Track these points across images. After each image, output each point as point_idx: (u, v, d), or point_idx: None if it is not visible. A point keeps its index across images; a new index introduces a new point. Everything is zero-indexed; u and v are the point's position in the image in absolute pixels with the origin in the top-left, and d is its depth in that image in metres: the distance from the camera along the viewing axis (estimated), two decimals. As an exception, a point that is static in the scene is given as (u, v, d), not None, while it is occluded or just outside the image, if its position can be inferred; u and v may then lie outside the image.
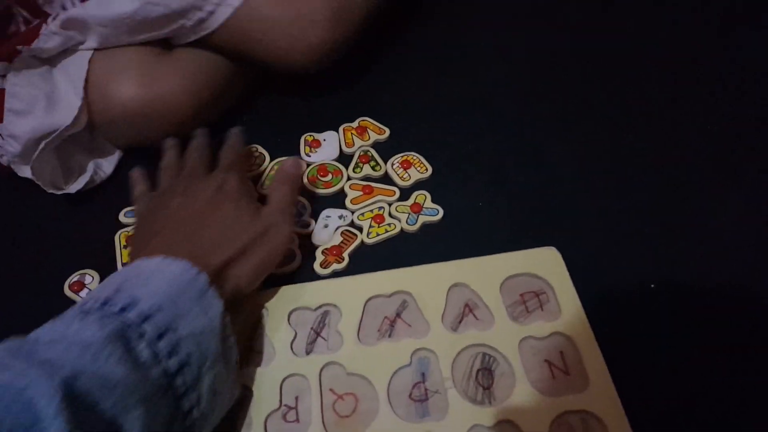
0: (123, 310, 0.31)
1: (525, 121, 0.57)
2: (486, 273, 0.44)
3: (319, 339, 0.42)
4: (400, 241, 0.48)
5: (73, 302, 0.44)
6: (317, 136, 0.56)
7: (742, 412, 0.37)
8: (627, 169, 0.52)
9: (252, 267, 0.39)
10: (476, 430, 0.37)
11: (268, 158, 0.55)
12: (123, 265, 0.47)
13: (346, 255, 0.47)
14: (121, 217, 0.51)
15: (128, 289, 0.32)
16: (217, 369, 0.33)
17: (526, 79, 0.61)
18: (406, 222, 0.49)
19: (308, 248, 0.47)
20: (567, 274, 0.44)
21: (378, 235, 0.48)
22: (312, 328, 0.42)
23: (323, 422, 0.38)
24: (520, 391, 0.38)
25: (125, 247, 0.48)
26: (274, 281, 0.44)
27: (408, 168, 0.53)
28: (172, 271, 0.34)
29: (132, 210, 0.50)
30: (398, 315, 0.43)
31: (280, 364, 0.40)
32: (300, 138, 0.56)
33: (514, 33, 0.66)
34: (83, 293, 0.45)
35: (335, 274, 0.46)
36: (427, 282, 0.44)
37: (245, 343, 0.41)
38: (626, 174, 0.52)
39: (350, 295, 0.44)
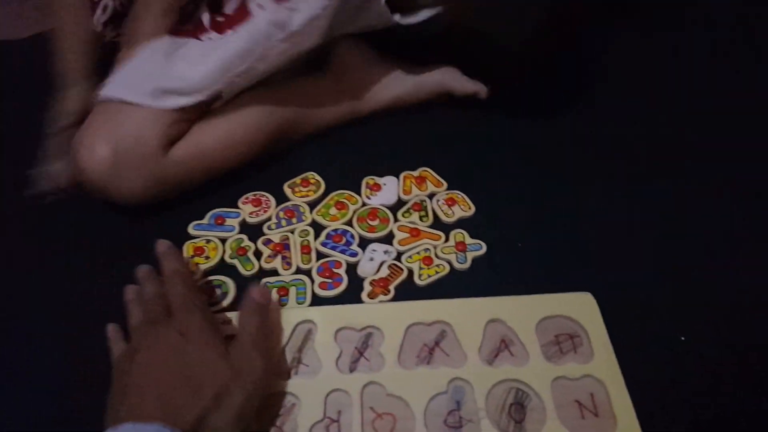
0: None
1: (567, 169, 0.60)
2: (523, 311, 0.47)
3: (362, 358, 0.45)
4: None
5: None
6: (378, 180, 0.60)
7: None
8: (667, 222, 0.54)
9: (232, 415, 0.36)
10: (506, 460, 0.39)
11: (323, 187, 0.59)
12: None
13: (392, 288, 0.50)
14: (190, 230, 0.55)
15: None
16: None
17: (568, 128, 0.64)
18: (457, 261, 0.52)
19: (354, 278, 0.51)
20: (601, 319, 0.46)
21: (429, 276, 0.51)
22: (356, 348, 0.46)
23: (359, 437, 0.40)
24: (550, 428, 0.40)
25: (192, 257, 0.53)
26: (323, 301, 0.48)
27: (452, 205, 0.57)
28: None
29: (200, 224, 0.55)
30: (437, 343, 0.46)
31: (326, 378, 0.44)
32: (362, 180, 0.60)
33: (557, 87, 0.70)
34: None
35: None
36: (466, 315, 0.47)
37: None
38: (666, 225, 0.54)
39: (393, 319, 0.47)
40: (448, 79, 0.66)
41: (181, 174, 0.55)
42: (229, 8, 0.57)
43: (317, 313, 0.48)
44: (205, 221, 0.56)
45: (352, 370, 0.44)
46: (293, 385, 0.43)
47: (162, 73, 0.54)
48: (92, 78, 0.58)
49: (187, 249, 0.54)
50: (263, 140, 0.59)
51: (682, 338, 0.45)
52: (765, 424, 0.41)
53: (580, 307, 0.47)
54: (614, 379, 0.42)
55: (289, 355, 0.45)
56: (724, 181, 0.58)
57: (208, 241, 0.54)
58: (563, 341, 0.45)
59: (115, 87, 0.54)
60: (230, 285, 0.50)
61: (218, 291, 0.50)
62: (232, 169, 0.58)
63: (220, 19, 0.57)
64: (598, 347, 0.44)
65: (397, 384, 0.43)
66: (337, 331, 0.47)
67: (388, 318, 0.47)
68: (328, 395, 0.43)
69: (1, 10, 0.89)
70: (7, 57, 0.80)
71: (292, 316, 0.47)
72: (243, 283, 0.48)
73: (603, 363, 0.43)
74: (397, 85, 0.66)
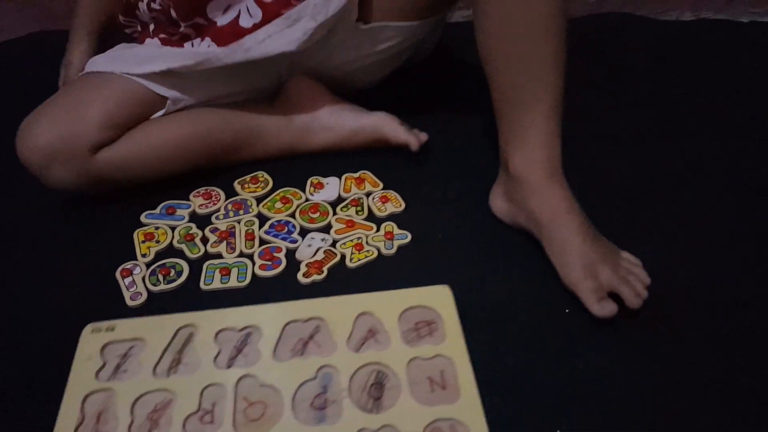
0: None
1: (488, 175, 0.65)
2: (389, 304, 0.52)
3: (240, 356, 0.49)
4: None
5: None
6: (322, 179, 0.67)
7: None
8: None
9: None
10: (363, 433, 0.44)
11: (271, 185, 0.66)
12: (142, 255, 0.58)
13: (325, 269, 0.56)
14: (142, 218, 0.62)
15: None
16: None
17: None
18: (384, 248, 0.58)
19: (292, 261, 0.57)
20: (455, 308, 0.52)
21: (359, 260, 0.57)
22: (235, 346, 0.49)
23: (234, 424, 0.44)
24: (403, 402, 0.45)
25: (143, 242, 0.59)
26: (206, 304, 0.52)
27: (386, 202, 0.64)
28: None
29: (151, 213, 0.62)
30: (311, 337, 0.50)
31: (203, 374, 0.47)
32: (307, 179, 0.67)
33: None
34: (128, 279, 0.56)
35: (314, 284, 0.55)
36: (339, 310, 0.52)
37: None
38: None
39: (272, 318, 0.51)
40: (384, 127, 0.68)
41: (109, 175, 0.60)
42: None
43: (198, 317, 0.51)
44: (156, 211, 0.62)
45: (229, 366, 0.48)
46: (171, 382, 0.46)
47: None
48: (95, 41, 0.70)
49: (138, 235, 0.59)
50: (193, 157, 0.64)
51: (567, 310, 0.53)
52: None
53: (438, 298, 0.53)
54: (461, 358, 0.48)
55: (169, 357, 0.48)
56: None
57: (157, 228, 0.60)
58: (421, 327, 0.51)
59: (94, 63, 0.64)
60: (184, 265, 0.57)
61: (172, 271, 0.55)
62: (160, 178, 0.63)
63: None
64: (450, 331, 0.50)
65: (270, 375, 0.47)
66: (218, 332, 0.50)
67: (267, 318, 0.51)
68: (204, 390, 0.46)
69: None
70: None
71: (174, 321, 0.51)
72: (194, 265, 0.57)
73: (453, 344, 0.49)
74: (335, 131, 0.69)
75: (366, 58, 0.71)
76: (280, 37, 0.62)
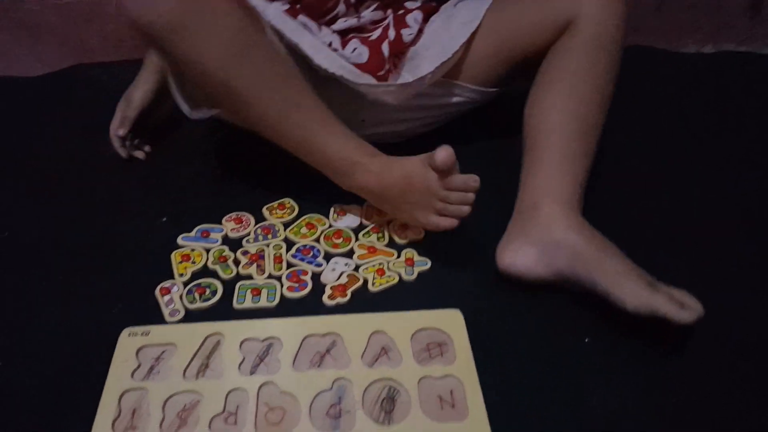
0: None
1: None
2: (402, 324, 0.56)
3: (262, 364, 0.53)
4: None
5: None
6: (345, 207, 0.71)
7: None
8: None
9: None
10: (373, 443, 0.47)
11: (297, 211, 0.70)
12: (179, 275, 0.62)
13: (349, 293, 0.60)
14: (178, 241, 0.66)
15: None
16: None
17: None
18: (405, 273, 0.62)
19: (317, 284, 0.61)
20: (465, 331, 0.55)
21: (381, 284, 0.61)
22: (258, 355, 0.53)
23: (255, 426, 0.48)
24: (414, 416, 0.48)
25: (180, 262, 0.64)
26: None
27: (405, 230, 0.68)
28: None
29: (187, 236, 0.67)
30: (328, 351, 0.54)
31: (228, 379, 0.51)
32: (331, 206, 0.71)
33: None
34: (167, 297, 0.60)
35: (338, 306, 0.59)
36: (355, 327, 0.56)
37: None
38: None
39: (291, 332, 0.55)
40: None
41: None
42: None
43: (225, 327, 0.55)
44: (192, 234, 0.67)
45: (252, 373, 0.52)
46: (199, 385, 0.50)
47: None
48: (161, 82, 0.76)
49: (175, 256, 0.64)
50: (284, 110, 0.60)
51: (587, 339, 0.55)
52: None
53: (450, 321, 0.56)
54: (470, 379, 0.51)
55: (197, 362, 0.52)
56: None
57: (193, 250, 0.65)
58: (432, 348, 0.54)
59: None
60: (218, 285, 0.61)
61: (207, 290, 0.60)
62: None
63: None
64: (461, 353, 0.54)
65: (289, 383, 0.51)
66: (242, 342, 0.54)
67: (288, 331, 0.55)
68: (228, 393, 0.50)
69: (18, 48, 0.99)
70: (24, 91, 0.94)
71: (203, 329, 0.55)
72: (226, 284, 0.61)
73: (463, 365, 0.53)
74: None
75: (432, 109, 0.76)
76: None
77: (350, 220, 0.70)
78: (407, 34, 0.72)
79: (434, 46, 0.71)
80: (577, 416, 0.50)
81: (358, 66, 0.68)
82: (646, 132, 0.84)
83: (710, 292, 0.52)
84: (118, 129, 0.77)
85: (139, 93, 0.77)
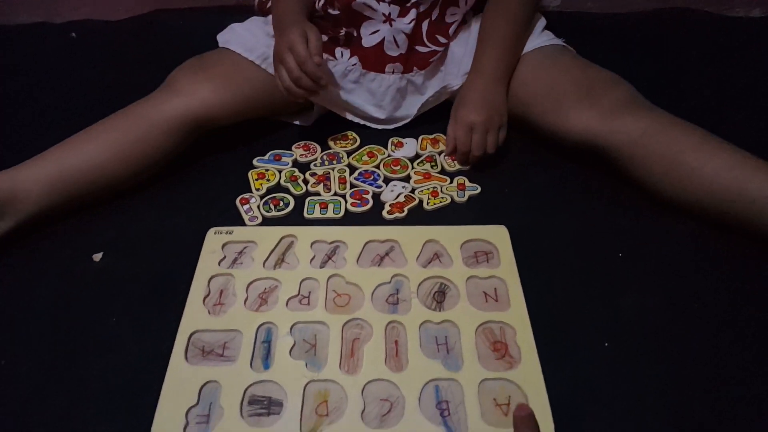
0: None
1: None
2: (454, 235, 0.62)
3: (330, 261, 0.60)
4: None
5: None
6: (402, 139, 0.78)
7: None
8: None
9: None
10: (426, 324, 0.54)
11: (359, 142, 0.78)
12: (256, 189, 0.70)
13: (406, 209, 0.67)
14: (254, 162, 0.74)
15: None
16: None
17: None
18: (457, 196, 0.69)
19: (378, 203, 0.68)
20: (509, 243, 0.61)
21: (435, 204, 0.68)
22: (326, 254, 0.61)
23: (325, 307, 0.55)
24: (462, 306, 0.55)
25: (256, 179, 0.72)
26: (305, 222, 0.64)
27: (455, 159, 0.74)
28: None
29: (261, 158, 0.75)
30: (387, 254, 0.61)
31: (302, 271, 0.59)
32: (389, 139, 0.78)
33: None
34: (246, 206, 0.68)
35: (396, 221, 0.67)
36: (411, 236, 0.62)
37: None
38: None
39: (356, 237, 0.62)
40: None
41: None
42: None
43: (298, 230, 0.63)
44: (265, 157, 0.76)
45: (321, 266, 0.60)
46: (277, 273, 0.58)
47: None
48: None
49: (252, 174, 0.72)
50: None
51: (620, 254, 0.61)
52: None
53: (496, 234, 0.62)
54: (513, 280, 0.58)
55: (274, 257, 0.60)
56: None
57: (267, 170, 0.73)
58: (479, 256, 0.61)
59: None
60: (290, 199, 0.69)
61: (281, 202, 0.68)
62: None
63: None
64: (505, 261, 0.60)
65: (354, 276, 0.58)
66: (313, 243, 0.62)
67: (352, 236, 0.63)
68: (302, 281, 0.58)
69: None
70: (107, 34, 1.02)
71: (278, 231, 0.63)
72: (297, 199, 0.69)
73: (507, 270, 0.59)
74: None
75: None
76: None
77: (407, 151, 0.76)
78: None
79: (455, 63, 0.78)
80: (607, 313, 0.56)
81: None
82: (688, 98, 0.84)
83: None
84: (314, 55, 0.65)
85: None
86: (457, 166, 0.74)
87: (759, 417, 0.48)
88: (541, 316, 0.54)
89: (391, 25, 0.73)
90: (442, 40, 0.76)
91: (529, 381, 0.49)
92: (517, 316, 0.54)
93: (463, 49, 0.77)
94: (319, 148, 0.77)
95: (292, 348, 0.52)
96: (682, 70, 0.92)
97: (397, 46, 0.74)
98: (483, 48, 0.73)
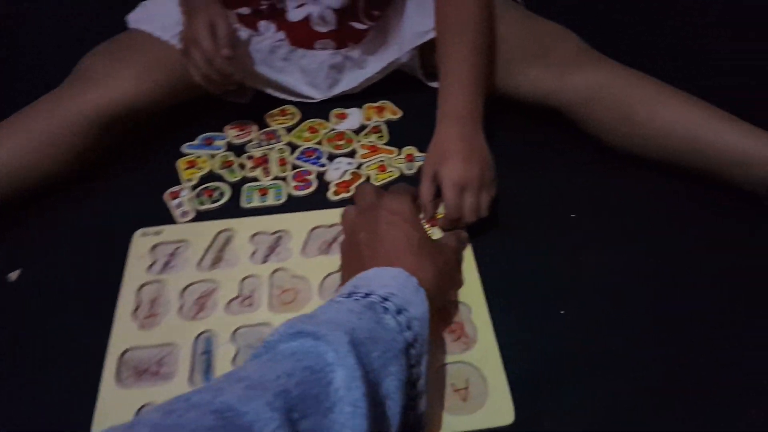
0: (367, 295, 0.37)
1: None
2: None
3: (273, 254, 0.55)
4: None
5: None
6: (345, 110, 0.71)
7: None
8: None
9: (438, 289, 0.42)
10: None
11: (298, 117, 0.71)
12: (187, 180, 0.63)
13: (353, 188, 0.62)
14: (183, 149, 0.67)
15: (364, 286, 0.38)
16: (428, 356, 0.37)
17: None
18: (406, 168, 0.64)
19: (323, 183, 0.63)
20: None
21: (383, 179, 0.63)
22: (268, 246, 0.55)
23: (270, 306, 0.50)
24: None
25: (186, 169, 0.65)
26: (243, 212, 0.58)
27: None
28: (391, 272, 0.39)
29: (191, 144, 0.67)
30: (335, 239, 0.56)
31: (242, 269, 0.53)
32: (330, 111, 0.71)
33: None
34: (176, 201, 0.61)
35: (343, 202, 0.61)
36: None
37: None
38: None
39: (300, 224, 0.57)
40: None
41: None
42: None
43: (235, 223, 0.57)
44: (196, 142, 0.68)
45: (264, 261, 0.54)
46: (214, 274, 0.53)
47: None
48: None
49: (181, 163, 0.65)
50: None
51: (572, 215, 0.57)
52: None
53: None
54: (467, 253, 0.54)
55: (211, 255, 0.54)
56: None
57: (198, 157, 0.66)
58: (436, 231, 0.56)
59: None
60: (225, 188, 0.62)
61: (215, 193, 0.61)
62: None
63: None
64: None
65: (300, 268, 0.53)
66: (253, 235, 0.56)
67: (295, 224, 0.57)
68: (243, 279, 0.52)
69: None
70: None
71: (213, 226, 0.57)
72: (234, 187, 0.62)
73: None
74: None
75: None
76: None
77: (351, 122, 0.70)
78: None
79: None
80: (570, 274, 0.53)
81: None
82: (640, 46, 0.80)
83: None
84: (222, 48, 0.58)
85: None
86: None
87: (726, 379, 0.46)
88: (495, 285, 0.51)
89: (316, 1, 0.65)
90: (380, 15, 0.69)
91: (486, 360, 0.46)
92: (471, 292, 0.50)
93: (412, 14, 0.69)
94: (255, 127, 0.70)
95: (235, 356, 0.47)
96: (630, 13, 0.87)
97: (325, 22, 0.67)
98: (450, 85, 0.60)
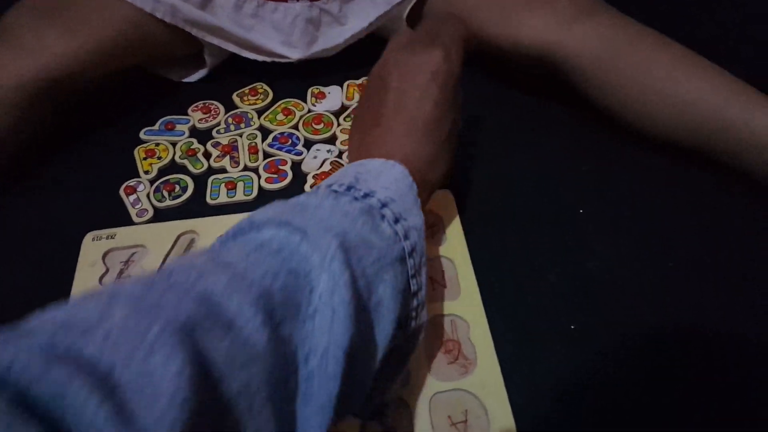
0: (366, 196, 0.34)
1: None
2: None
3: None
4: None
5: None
6: (323, 89, 0.64)
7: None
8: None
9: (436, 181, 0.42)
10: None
11: (271, 96, 0.64)
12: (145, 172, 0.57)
13: None
14: (141, 135, 0.60)
15: (364, 182, 0.36)
16: (426, 269, 0.36)
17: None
18: None
19: (298, 173, 0.56)
20: (456, 211, 0.52)
21: None
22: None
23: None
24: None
25: (144, 159, 0.58)
26: (208, 210, 0.52)
27: None
28: (395, 174, 0.37)
29: (150, 129, 0.60)
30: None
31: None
32: (308, 89, 0.64)
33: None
34: (132, 197, 0.55)
35: None
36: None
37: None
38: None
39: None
40: None
41: None
42: None
43: (199, 224, 0.51)
44: (155, 127, 0.61)
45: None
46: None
47: None
48: None
49: (138, 152, 0.58)
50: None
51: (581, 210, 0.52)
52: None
53: (440, 203, 0.52)
54: (463, 258, 0.48)
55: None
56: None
57: (158, 144, 0.59)
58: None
59: None
60: (188, 181, 0.56)
61: (177, 187, 0.55)
62: None
63: None
64: (452, 234, 0.50)
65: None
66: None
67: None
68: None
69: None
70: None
71: (174, 228, 0.51)
72: (198, 180, 0.56)
73: (455, 245, 0.49)
74: None
75: None
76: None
77: (331, 103, 0.64)
78: None
79: None
80: (578, 286, 0.48)
81: None
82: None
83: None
84: None
85: None
86: None
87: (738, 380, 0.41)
88: (495, 298, 0.46)
89: None
90: None
91: (487, 388, 0.41)
92: (469, 304, 0.45)
93: None
94: (222, 109, 0.63)
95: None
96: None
97: None
98: None
